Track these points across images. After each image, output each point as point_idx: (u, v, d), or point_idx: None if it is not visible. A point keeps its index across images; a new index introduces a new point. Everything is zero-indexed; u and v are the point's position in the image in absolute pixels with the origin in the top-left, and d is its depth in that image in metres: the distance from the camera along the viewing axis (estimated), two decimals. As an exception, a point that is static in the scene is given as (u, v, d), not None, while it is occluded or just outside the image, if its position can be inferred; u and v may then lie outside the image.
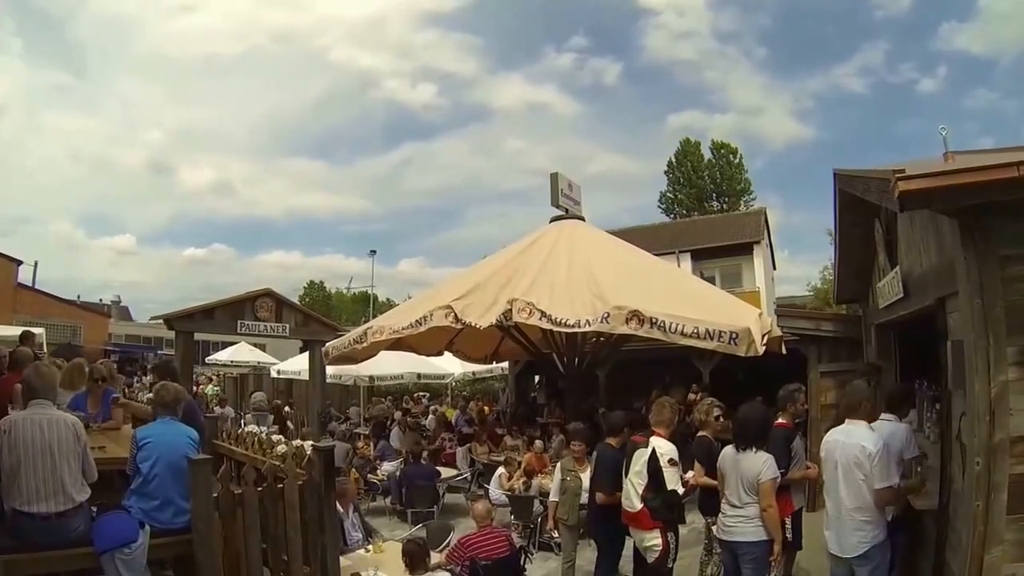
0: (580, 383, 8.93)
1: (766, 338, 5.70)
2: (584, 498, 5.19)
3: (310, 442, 3.86)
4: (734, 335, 5.74)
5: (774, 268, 19.38)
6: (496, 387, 17.64)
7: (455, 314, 6.20)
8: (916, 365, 5.34)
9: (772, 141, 58.01)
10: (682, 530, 4.61)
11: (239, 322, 10.17)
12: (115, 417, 4.72)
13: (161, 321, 10.36)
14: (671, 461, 4.12)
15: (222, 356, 19.57)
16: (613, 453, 4.72)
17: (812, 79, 60.63)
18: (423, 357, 11.37)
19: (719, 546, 4.17)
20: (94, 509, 3.03)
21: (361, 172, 71.88)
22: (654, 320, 5.73)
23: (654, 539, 4.11)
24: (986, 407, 3.02)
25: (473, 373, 14.51)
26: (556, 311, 5.84)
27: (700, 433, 4.80)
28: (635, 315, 5.75)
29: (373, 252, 34.64)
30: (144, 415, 4.41)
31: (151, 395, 6.76)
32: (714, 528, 4.30)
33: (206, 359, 20.58)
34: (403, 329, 6.69)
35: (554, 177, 8.59)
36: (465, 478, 8.79)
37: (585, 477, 5.27)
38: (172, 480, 3.19)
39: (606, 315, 5.78)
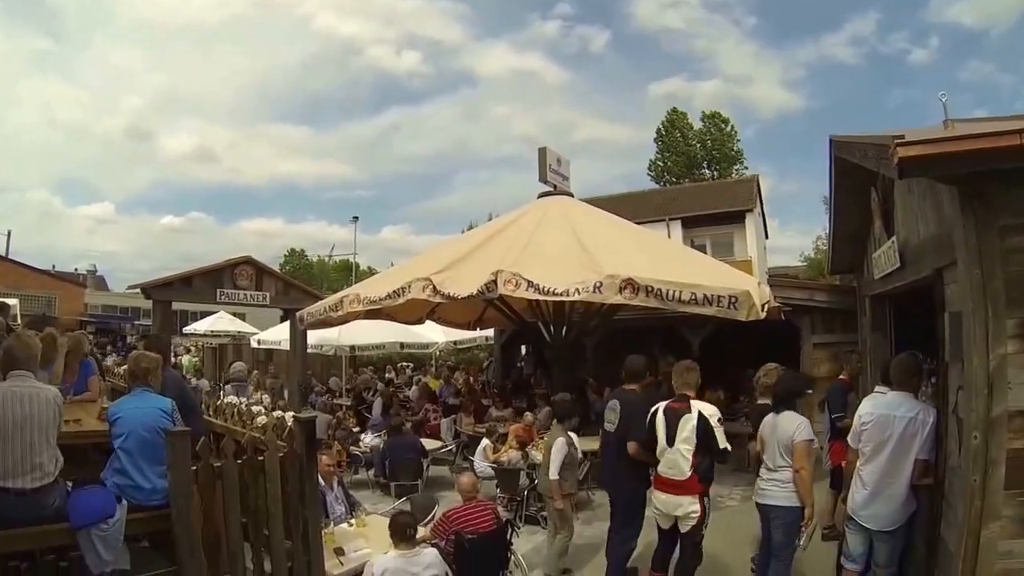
0: (568, 354, 8.91)
1: (766, 307, 5.66)
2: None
3: (291, 413, 3.75)
4: (733, 299, 5.65)
5: (766, 237, 19.31)
6: (481, 357, 17.56)
7: (433, 286, 6.09)
8: (911, 337, 5.28)
9: (761, 110, 57.91)
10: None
11: (218, 290, 9.92)
12: (91, 389, 4.56)
13: (138, 291, 10.11)
14: (719, 420, 4.01)
15: (201, 326, 19.23)
16: (640, 400, 4.44)
17: (802, 49, 60.39)
18: (405, 326, 11.25)
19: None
20: (69, 484, 2.92)
21: (345, 138, 71.05)
22: (650, 288, 5.62)
23: (694, 505, 3.95)
24: (984, 380, 2.96)
25: (456, 343, 14.34)
26: (544, 281, 5.71)
27: (762, 401, 4.54)
28: (629, 284, 5.64)
29: (355, 219, 33.49)
30: None
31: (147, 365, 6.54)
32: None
33: (184, 329, 20.30)
34: (380, 300, 6.60)
35: (542, 152, 8.35)
36: (450, 450, 8.67)
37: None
38: (146, 455, 3.06)
39: (599, 284, 5.66)
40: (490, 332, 13.20)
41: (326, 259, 41.55)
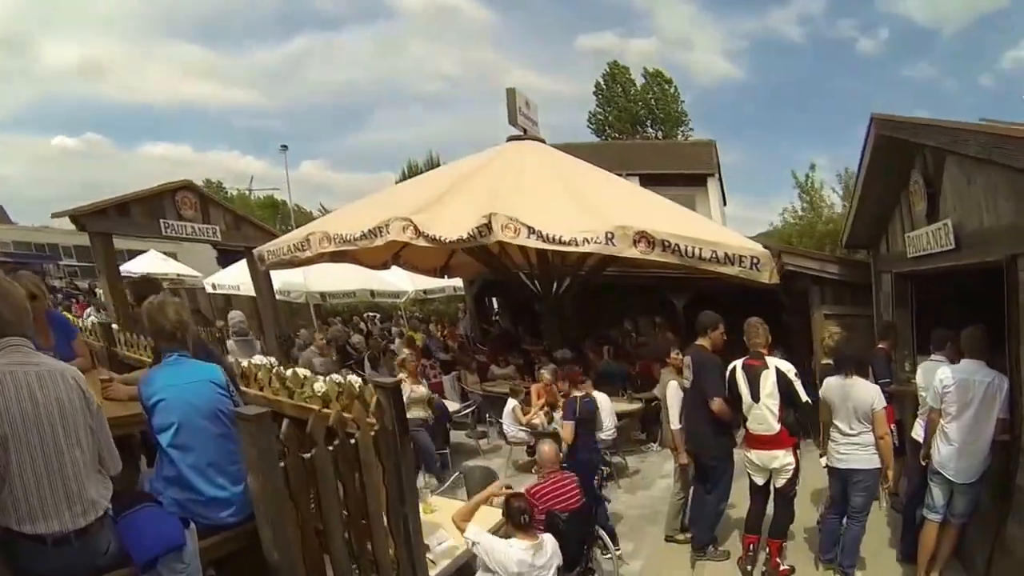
0: (559, 308, 8.63)
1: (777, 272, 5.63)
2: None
3: (352, 376, 3.22)
4: (755, 260, 5.61)
5: (724, 204, 19.65)
6: (454, 308, 16.82)
7: (415, 227, 5.61)
8: (931, 313, 5.64)
9: (699, 76, 57.80)
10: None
11: (161, 221, 8.20)
12: (80, 353, 3.52)
13: (53, 224, 8.46)
14: (796, 374, 4.13)
15: (132, 267, 16.79)
16: (714, 356, 4.45)
17: (748, 20, 60.49)
18: (375, 272, 10.56)
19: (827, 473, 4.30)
20: (109, 507, 2.03)
21: (252, 62, 64.72)
22: (667, 243, 5.39)
23: (788, 457, 4.13)
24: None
25: (425, 291, 13.74)
26: (547, 228, 5.34)
27: (826, 361, 4.75)
28: (643, 237, 5.39)
29: (284, 147, 30.27)
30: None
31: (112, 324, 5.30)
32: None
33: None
34: (356, 239, 6.03)
35: (511, 93, 7.79)
36: (469, 412, 7.72)
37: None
38: (208, 452, 2.28)
39: (610, 235, 5.37)
40: (458, 282, 12.73)
41: (247, 193, 38.29)
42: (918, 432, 4.34)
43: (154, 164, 57.25)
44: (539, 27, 64.36)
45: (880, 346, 5.13)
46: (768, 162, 56.33)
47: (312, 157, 74.37)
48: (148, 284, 3.84)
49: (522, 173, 6.61)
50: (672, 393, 4.74)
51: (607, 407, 5.99)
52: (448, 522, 3.41)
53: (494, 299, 14.04)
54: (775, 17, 57.53)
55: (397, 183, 27.48)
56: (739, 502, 4.68)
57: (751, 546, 4.38)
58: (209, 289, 12.44)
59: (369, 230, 5.97)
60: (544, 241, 5.38)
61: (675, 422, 4.68)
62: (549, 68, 64.78)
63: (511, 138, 7.74)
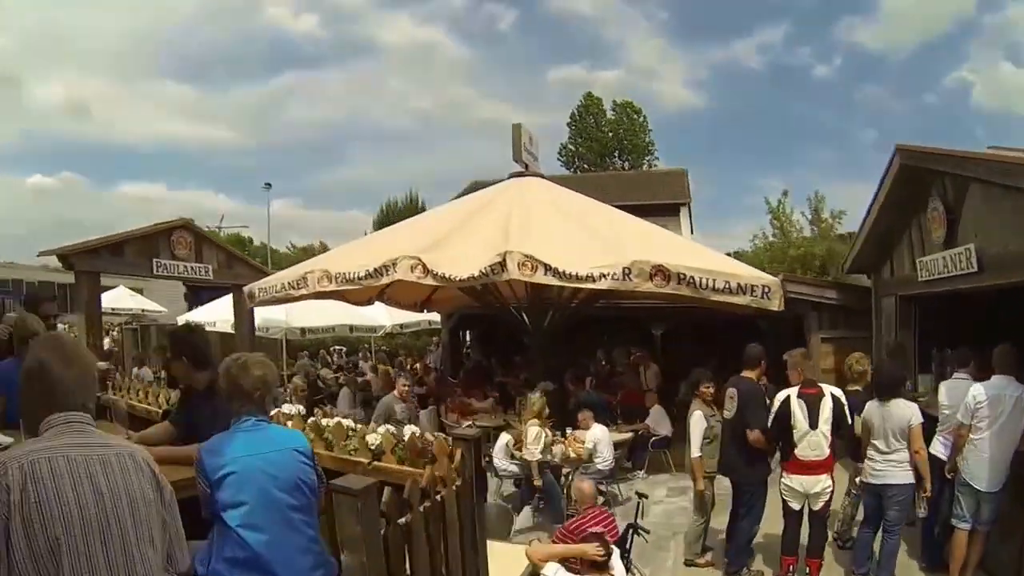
0: (549, 341, 8.52)
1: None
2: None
3: (412, 428, 3.03)
4: (766, 289, 5.64)
5: (691, 232, 20.10)
6: (423, 342, 16.56)
7: (423, 265, 5.46)
8: (933, 334, 5.92)
9: (663, 105, 59.89)
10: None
11: (154, 261, 8.21)
12: None
13: (19, 260, 8.17)
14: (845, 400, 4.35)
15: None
16: (759, 388, 4.64)
17: (711, 50, 63.25)
18: (356, 308, 10.32)
19: (861, 489, 4.58)
20: None
21: (235, 101, 64.78)
22: (682, 276, 5.39)
23: (829, 481, 4.29)
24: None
25: (402, 326, 13.49)
26: (564, 265, 5.26)
27: (855, 387, 4.82)
28: (660, 271, 5.37)
29: (268, 186, 30.56)
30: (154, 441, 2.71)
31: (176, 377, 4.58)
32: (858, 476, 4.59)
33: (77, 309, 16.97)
34: (360, 279, 5.85)
35: (517, 129, 7.69)
36: None
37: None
38: (286, 529, 1.99)
39: (627, 271, 5.34)
40: (434, 316, 12.52)
41: (217, 230, 37.48)
42: (937, 448, 4.47)
43: (129, 203, 56.50)
44: (513, 60, 65.87)
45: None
46: (723, 187, 58.44)
47: (283, 195, 73.87)
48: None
49: (530, 209, 6.55)
50: (695, 422, 4.86)
51: (605, 439, 6.21)
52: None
53: (467, 332, 13.87)
54: (737, 47, 60.72)
55: (375, 220, 27.50)
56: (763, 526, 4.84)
57: (790, 567, 4.49)
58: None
59: (375, 269, 5.79)
60: (560, 278, 5.31)
61: (696, 450, 4.82)
62: (521, 101, 66.18)
63: (513, 174, 7.69)
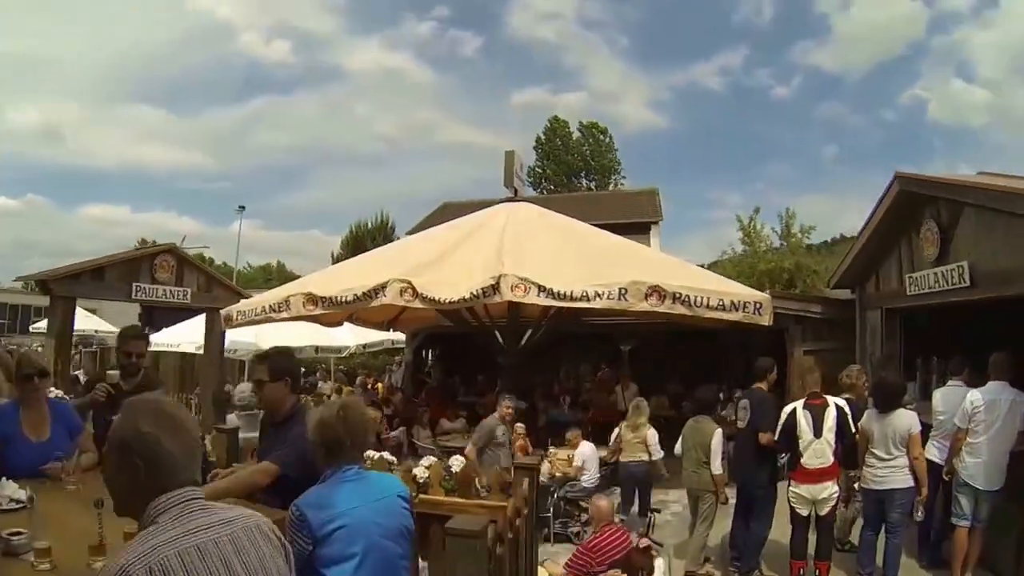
0: (524, 359, 8.47)
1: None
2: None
3: (458, 458, 2.97)
4: (758, 305, 5.78)
5: (659, 249, 20.50)
6: (381, 361, 16.41)
7: (413, 289, 5.42)
8: (918, 345, 6.23)
9: (625, 126, 61.51)
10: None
11: (134, 285, 8.10)
12: (87, 448, 3.05)
13: None
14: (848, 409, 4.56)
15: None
16: (770, 396, 4.97)
17: (672, 73, 65.32)
18: (322, 328, 10.15)
19: (861, 495, 4.81)
20: None
21: (206, 125, 65.31)
22: (677, 295, 5.47)
23: (835, 487, 4.49)
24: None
25: (365, 346, 13.39)
26: (556, 285, 5.31)
27: (847, 396, 4.92)
28: (655, 290, 5.45)
29: (242, 208, 29.83)
30: None
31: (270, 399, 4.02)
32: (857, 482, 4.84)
33: (30, 327, 16.17)
34: (347, 303, 5.81)
35: (510, 156, 7.83)
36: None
37: None
38: None
39: (623, 291, 5.40)
40: (398, 336, 12.48)
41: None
42: (932, 453, 4.69)
43: (88, 224, 54.94)
44: (477, 84, 67.17)
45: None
46: (684, 204, 60.18)
47: (246, 216, 72.28)
48: (285, 362, 3.08)
49: (521, 232, 6.56)
50: (717, 441, 5.11)
51: (592, 456, 6.32)
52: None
53: (430, 351, 13.78)
54: (697, 70, 63.80)
55: (343, 241, 27.05)
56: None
57: (800, 570, 4.65)
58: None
59: (364, 293, 5.70)
60: (555, 299, 5.34)
61: (717, 467, 5.07)
62: (485, 123, 67.16)
63: (506, 199, 7.71)
